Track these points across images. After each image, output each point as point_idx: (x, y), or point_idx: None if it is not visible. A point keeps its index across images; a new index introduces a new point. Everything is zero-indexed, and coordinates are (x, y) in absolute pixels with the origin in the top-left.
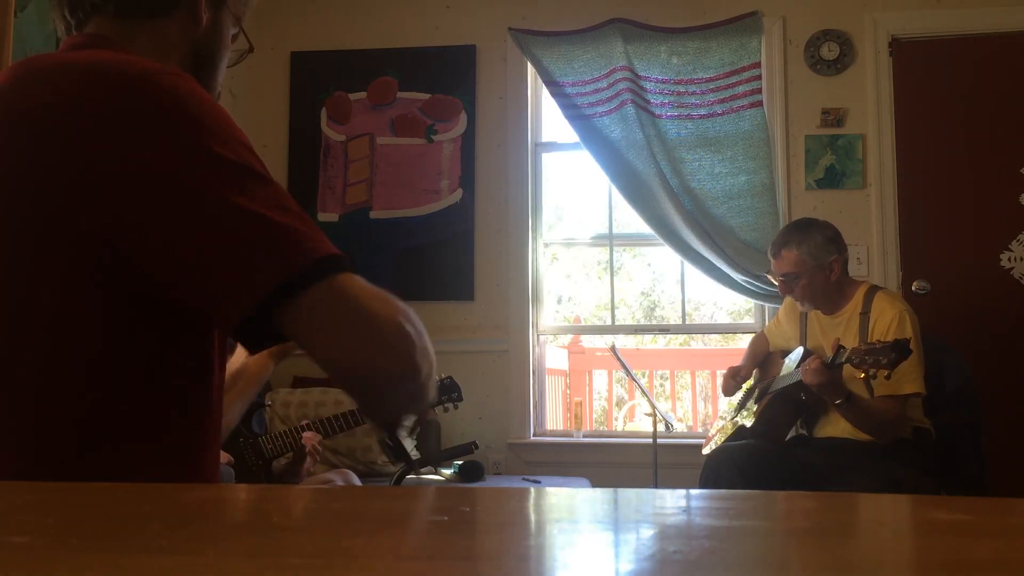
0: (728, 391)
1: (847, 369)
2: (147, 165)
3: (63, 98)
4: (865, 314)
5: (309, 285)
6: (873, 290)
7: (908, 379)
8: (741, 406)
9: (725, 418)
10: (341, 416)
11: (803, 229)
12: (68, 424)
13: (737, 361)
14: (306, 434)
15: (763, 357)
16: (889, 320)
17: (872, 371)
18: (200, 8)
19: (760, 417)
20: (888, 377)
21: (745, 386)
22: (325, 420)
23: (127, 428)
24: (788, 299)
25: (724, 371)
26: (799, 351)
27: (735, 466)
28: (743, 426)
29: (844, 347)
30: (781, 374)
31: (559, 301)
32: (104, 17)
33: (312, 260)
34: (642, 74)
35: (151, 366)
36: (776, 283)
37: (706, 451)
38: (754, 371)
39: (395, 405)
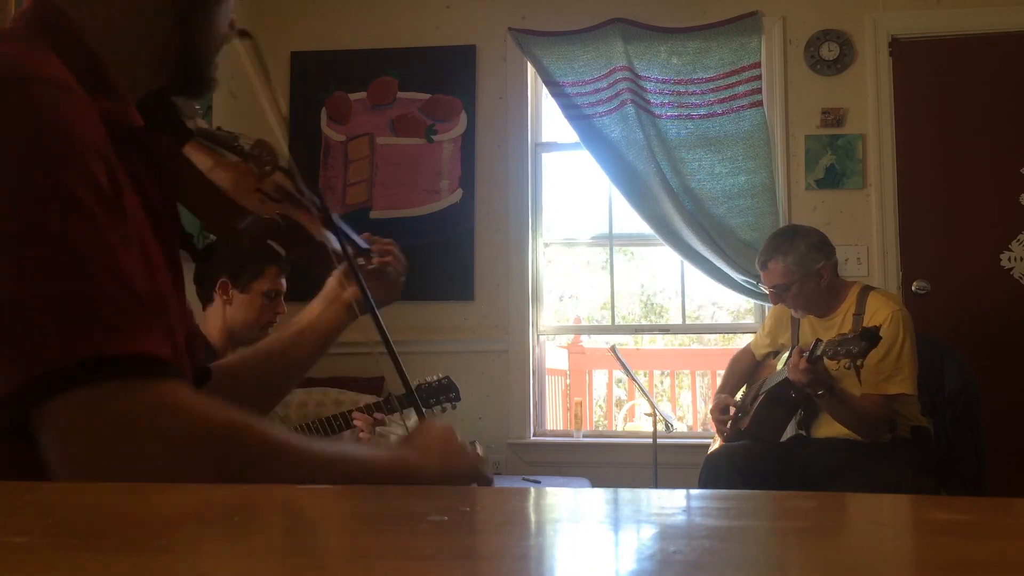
0: (720, 425)
1: (831, 364)
2: None
3: None
4: (859, 315)
5: (75, 385)
6: (866, 290)
7: (897, 379)
8: (741, 408)
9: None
10: (340, 416)
11: (787, 239)
12: None
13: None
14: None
15: (745, 375)
16: (882, 319)
17: (847, 361)
18: None
19: (753, 418)
20: (860, 365)
21: (741, 391)
22: (325, 420)
23: None
24: (775, 306)
25: (712, 405)
26: (790, 352)
27: (733, 466)
28: (738, 428)
29: (820, 340)
30: (772, 375)
31: (559, 300)
32: None
33: (88, 355)
34: (642, 74)
35: None
36: (767, 293)
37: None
38: (741, 388)
39: None
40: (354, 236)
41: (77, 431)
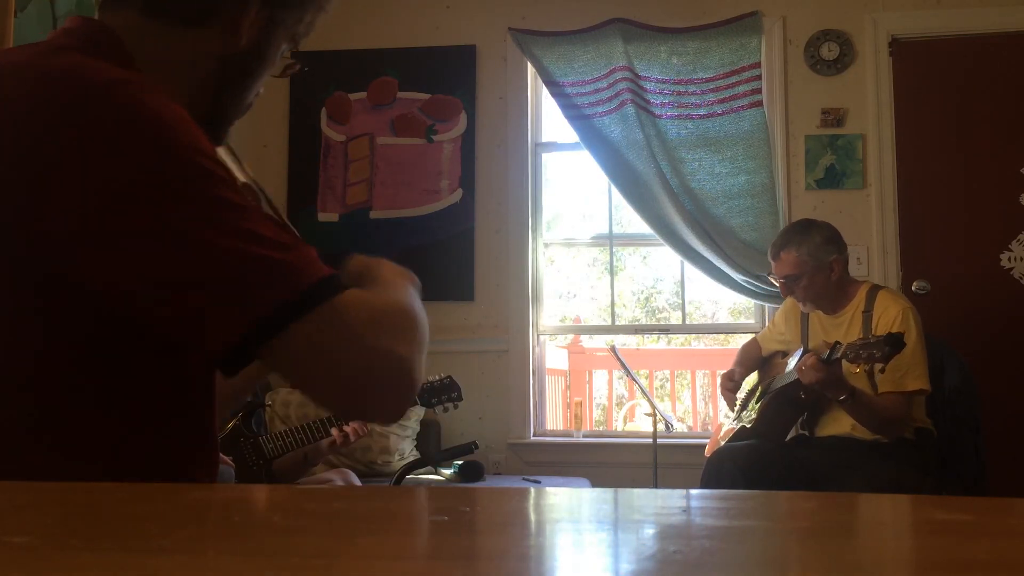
0: (728, 394)
1: (846, 366)
2: (107, 186)
3: (18, 103)
4: (868, 312)
5: (289, 322)
6: (875, 289)
7: (912, 376)
8: (744, 407)
9: (730, 418)
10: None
11: (802, 230)
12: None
13: (732, 363)
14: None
15: (754, 363)
16: (893, 317)
17: (867, 365)
18: (243, 27)
19: (760, 417)
20: (883, 371)
21: (747, 386)
22: (325, 419)
23: (98, 443)
24: (787, 301)
25: (723, 372)
26: (799, 351)
27: (736, 466)
28: (744, 427)
29: (840, 343)
30: (781, 374)
31: (559, 299)
32: (131, 10)
33: (292, 295)
34: (642, 74)
35: (114, 382)
36: (777, 285)
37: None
38: (750, 375)
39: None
40: None
41: (306, 354)
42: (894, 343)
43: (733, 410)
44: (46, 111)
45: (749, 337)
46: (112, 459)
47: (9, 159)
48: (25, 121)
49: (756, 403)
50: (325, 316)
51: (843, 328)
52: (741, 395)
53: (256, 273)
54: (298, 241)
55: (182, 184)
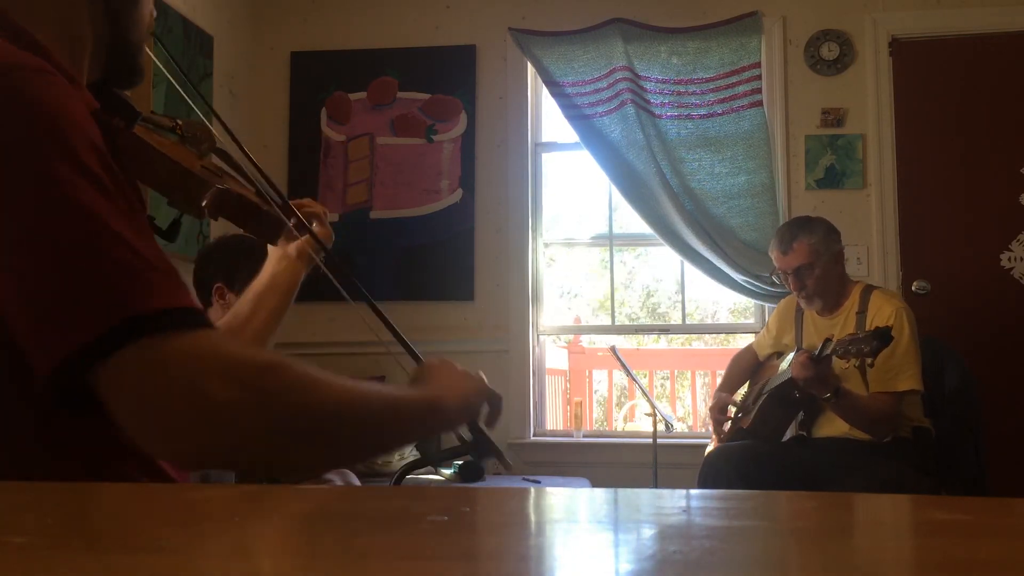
0: (717, 426)
1: (839, 364)
2: None
3: None
4: (862, 313)
5: (124, 344)
6: (869, 289)
7: (904, 375)
8: (742, 408)
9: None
10: None
11: (805, 222)
12: None
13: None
14: None
15: (746, 373)
16: (887, 317)
17: (858, 360)
18: None
19: (756, 417)
20: (871, 365)
21: (738, 397)
22: None
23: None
24: (780, 305)
25: (710, 405)
26: (794, 352)
27: (733, 467)
28: (740, 427)
29: (830, 339)
30: (776, 374)
31: (560, 297)
32: None
33: (131, 315)
34: (642, 74)
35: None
36: (787, 281)
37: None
38: (740, 387)
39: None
40: (284, 199)
41: (134, 387)
42: (882, 337)
43: (719, 437)
44: None
45: (749, 337)
46: (31, 448)
47: None
48: None
49: (752, 403)
50: (161, 350)
51: (837, 329)
52: (732, 409)
53: (101, 282)
54: (166, 264)
55: (57, 181)
